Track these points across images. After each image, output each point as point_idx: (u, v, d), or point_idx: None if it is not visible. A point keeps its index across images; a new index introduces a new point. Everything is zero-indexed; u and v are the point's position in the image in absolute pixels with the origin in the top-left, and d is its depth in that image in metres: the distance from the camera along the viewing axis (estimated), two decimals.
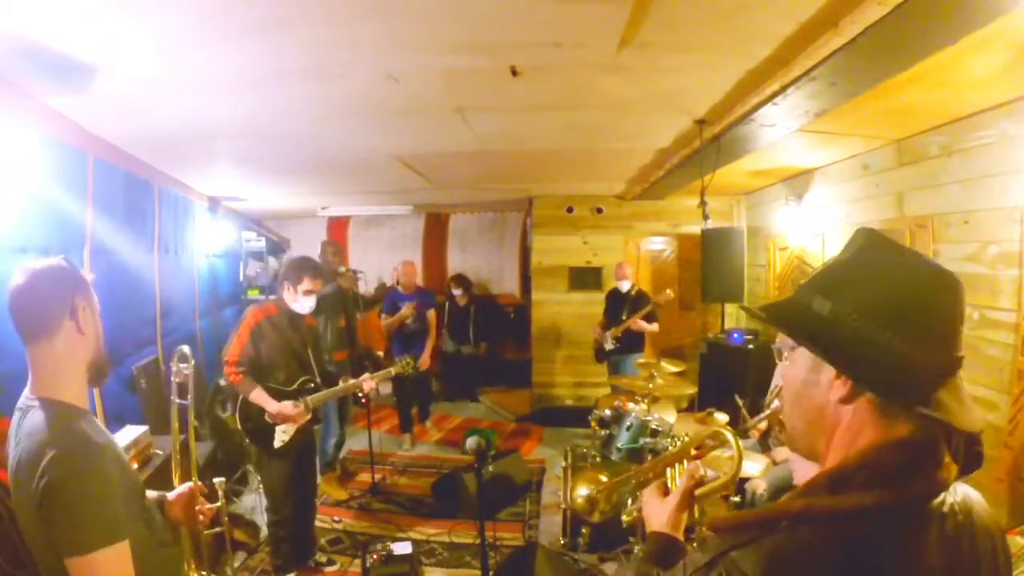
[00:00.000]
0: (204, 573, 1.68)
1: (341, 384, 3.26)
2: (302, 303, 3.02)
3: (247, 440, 3.03)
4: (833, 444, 0.77)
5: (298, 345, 3.06)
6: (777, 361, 0.91)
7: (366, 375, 3.37)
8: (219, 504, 1.72)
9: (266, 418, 2.93)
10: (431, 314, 5.30)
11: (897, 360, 0.70)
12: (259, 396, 2.89)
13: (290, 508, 3.08)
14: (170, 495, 1.51)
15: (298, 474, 3.11)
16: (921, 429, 0.70)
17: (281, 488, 3.03)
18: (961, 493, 0.75)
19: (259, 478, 3.18)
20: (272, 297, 3.30)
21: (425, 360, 5.13)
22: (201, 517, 1.56)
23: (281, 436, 2.96)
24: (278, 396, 2.96)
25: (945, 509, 0.71)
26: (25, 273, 1.21)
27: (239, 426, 3.03)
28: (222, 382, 4.30)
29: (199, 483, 1.58)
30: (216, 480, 1.86)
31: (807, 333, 0.77)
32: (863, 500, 0.67)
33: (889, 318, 0.71)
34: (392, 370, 3.73)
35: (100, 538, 1.11)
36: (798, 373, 0.81)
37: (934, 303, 0.73)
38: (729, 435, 0.99)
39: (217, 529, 1.75)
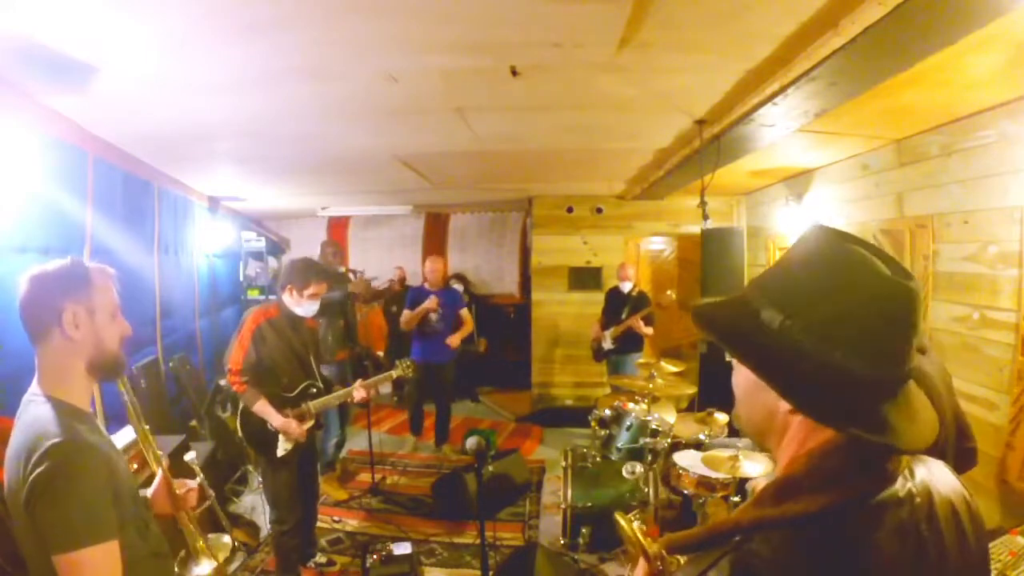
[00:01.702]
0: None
1: (341, 391, 3.17)
2: (306, 307, 2.93)
3: (250, 449, 2.96)
4: (783, 445, 0.78)
5: (300, 349, 2.99)
6: (726, 359, 0.93)
7: (359, 382, 3.25)
8: (199, 479, 1.69)
9: (268, 426, 2.86)
10: (464, 312, 5.04)
11: (841, 380, 0.69)
12: (263, 408, 2.81)
13: (297, 516, 3.01)
14: (148, 492, 1.50)
15: (301, 480, 3.05)
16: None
17: (287, 497, 2.95)
18: (920, 476, 0.75)
19: (262, 488, 3.10)
20: (272, 298, 3.21)
21: (454, 340, 4.86)
22: (187, 494, 1.54)
23: (284, 444, 2.88)
24: (281, 402, 2.88)
25: (901, 495, 0.71)
26: (26, 279, 1.25)
27: (240, 435, 2.94)
28: (222, 382, 4.30)
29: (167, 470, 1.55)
30: (187, 457, 1.81)
31: (751, 352, 0.76)
32: (808, 506, 0.68)
33: (839, 335, 0.70)
34: (394, 373, 3.62)
35: (87, 535, 1.11)
36: (746, 376, 0.80)
37: (888, 317, 0.71)
38: (622, 522, 1.08)
39: (207, 503, 1.71)
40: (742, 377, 0.82)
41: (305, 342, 3.04)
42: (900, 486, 0.72)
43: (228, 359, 2.85)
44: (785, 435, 0.77)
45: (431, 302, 4.78)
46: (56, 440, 1.13)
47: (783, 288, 0.76)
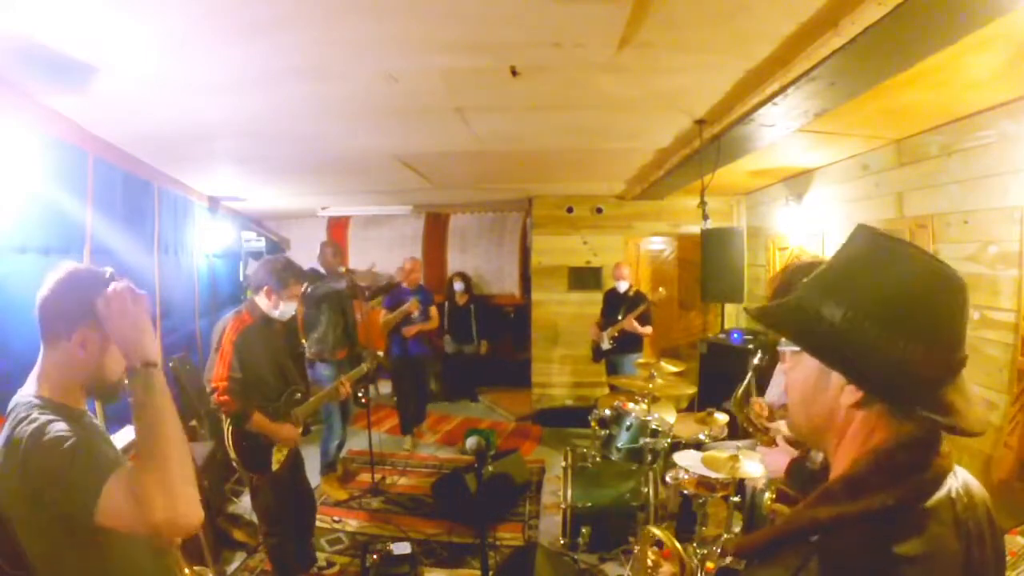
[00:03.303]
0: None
1: (323, 392, 3.15)
2: (283, 309, 2.81)
3: (243, 469, 2.82)
4: (844, 443, 0.79)
5: (279, 353, 2.89)
6: (781, 362, 0.91)
7: (342, 377, 3.28)
8: None
9: (261, 441, 2.75)
10: (432, 310, 5.38)
11: (907, 365, 0.71)
12: (260, 422, 2.68)
13: (290, 526, 2.97)
14: None
15: (296, 496, 3.01)
16: (926, 425, 0.73)
17: (279, 511, 2.89)
18: (961, 476, 0.78)
19: (252, 506, 2.98)
20: (243, 303, 2.97)
21: (409, 331, 5.21)
22: None
23: (278, 457, 2.80)
24: (269, 412, 2.77)
25: (953, 495, 0.74)
26: (60, 271, 1.22)
27: (232, 456, 2.76)
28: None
29: None
30: None
31: (816, 343, 0.77)
32: (886, 500, 0.70)
33: (899, 321, 0.72)
34: (364, 366, 3.55)
35: (102, 474, 1.09)
36: (806, 377, 0.81)
37: (942, 303, 0.74)
38: (658, 532, 1.12)
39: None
40: (800, 379, 0.82)
41: (281, 345, 2.93)
42: (951, 484, 0.74)
43: (210, 377, 2.66)
44: (846, 434, 0.78)
45: (411, 304, 5.12)
46: (54, 435, 1.11)
47: (838, 284, 0.78)
